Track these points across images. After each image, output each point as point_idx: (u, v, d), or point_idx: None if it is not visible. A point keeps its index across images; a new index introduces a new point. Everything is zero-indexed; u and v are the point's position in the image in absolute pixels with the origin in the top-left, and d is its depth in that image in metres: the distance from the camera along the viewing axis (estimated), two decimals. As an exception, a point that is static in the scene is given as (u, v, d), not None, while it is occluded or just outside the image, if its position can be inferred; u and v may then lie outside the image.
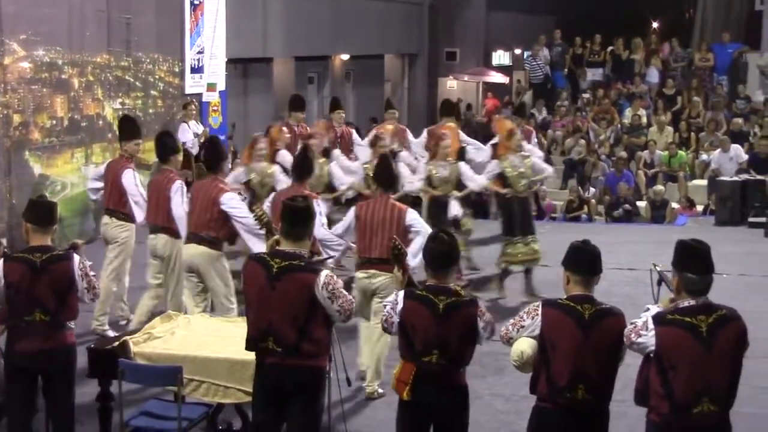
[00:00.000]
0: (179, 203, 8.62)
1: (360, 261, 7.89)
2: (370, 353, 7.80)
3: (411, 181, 10.60)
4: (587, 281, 5.10)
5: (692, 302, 4.80)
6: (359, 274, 7.84)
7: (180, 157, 9.38)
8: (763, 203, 15.67)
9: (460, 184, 10.63)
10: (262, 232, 8.02)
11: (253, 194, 10.01)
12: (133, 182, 9.15)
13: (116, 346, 6.34)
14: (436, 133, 11.71)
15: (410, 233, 7.64)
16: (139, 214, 9.08)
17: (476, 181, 10.63)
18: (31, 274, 5.91)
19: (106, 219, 9.38)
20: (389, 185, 8.08)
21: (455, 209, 10.57)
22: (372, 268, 7.71)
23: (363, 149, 12.33)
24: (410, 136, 13.00)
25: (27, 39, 12.24)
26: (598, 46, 22.76)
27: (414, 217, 7.78)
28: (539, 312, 5.09)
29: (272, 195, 9.02)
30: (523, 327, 5.14)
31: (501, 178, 10.54)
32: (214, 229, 8.18)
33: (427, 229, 7.52)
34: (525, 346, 5.12)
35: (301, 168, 8.57)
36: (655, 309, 4.97)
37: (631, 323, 4.94)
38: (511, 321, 5.23)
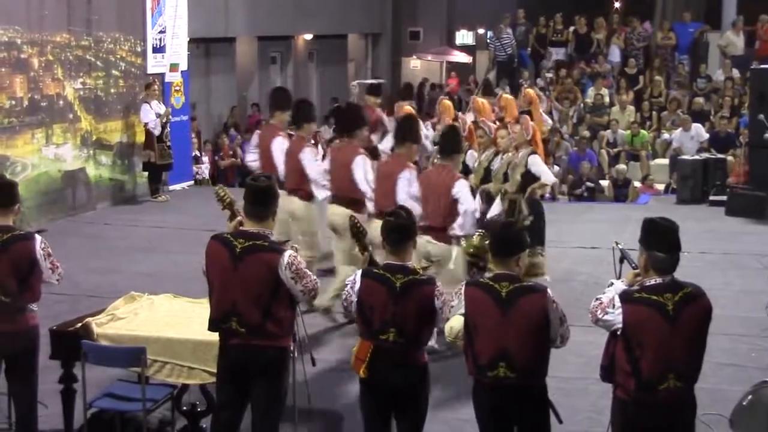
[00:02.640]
0: (311, 164, 9.03)
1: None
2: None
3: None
4: (506, 261, 5.13)
5: (659, 280, 4.84)
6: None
7: (314, 127, 9.69)
8: (723, 182, 15.83)
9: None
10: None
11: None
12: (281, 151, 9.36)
13: (79, 327, 6.29)
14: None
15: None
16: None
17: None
18: None
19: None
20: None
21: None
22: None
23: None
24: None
25: (-16, 18, 12.12)
26: (560, 26, 22.79)
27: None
28: (462, 291, 5.17)
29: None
30: (452, 307, 5.24)
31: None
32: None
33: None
34: (454, 321, 5.30)
35: (450, 144, 8.32)
36: (618, 284, 5.01)
37: (596, 299, 4.97)
38: (448, 303, 5.32)
